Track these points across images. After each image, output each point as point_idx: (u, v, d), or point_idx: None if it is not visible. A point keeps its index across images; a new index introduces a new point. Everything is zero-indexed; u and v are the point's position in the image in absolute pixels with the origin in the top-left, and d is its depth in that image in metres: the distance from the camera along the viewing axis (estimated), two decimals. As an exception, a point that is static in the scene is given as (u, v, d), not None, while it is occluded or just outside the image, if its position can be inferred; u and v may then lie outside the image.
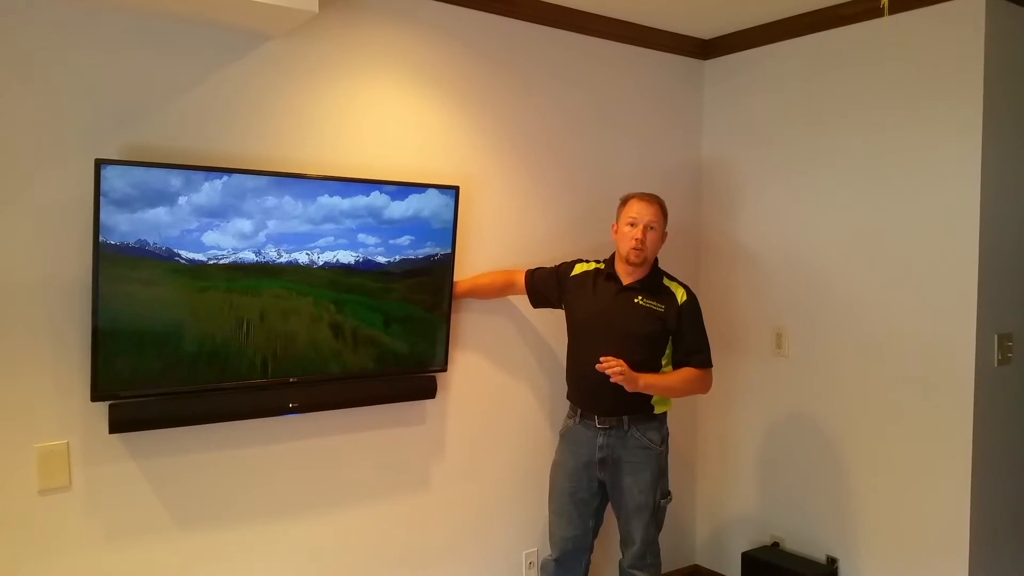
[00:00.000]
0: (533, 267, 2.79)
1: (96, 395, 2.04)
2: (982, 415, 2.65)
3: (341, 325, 2.38)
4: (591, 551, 2.74)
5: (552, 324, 2.96)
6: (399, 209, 2.45)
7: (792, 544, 3.20)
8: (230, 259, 2.17)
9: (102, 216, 1.96)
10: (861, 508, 2.95)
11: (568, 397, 2.72)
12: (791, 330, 3.18)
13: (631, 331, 2.53)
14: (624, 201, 2.64)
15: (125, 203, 1.99)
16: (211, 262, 2.14)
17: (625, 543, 2.66)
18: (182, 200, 2.07)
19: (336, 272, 2.35)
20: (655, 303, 2.56)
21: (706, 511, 3.56)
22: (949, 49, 2.64)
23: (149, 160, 2.09)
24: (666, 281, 2.63)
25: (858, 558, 2.97)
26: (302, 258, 2.29)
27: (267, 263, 2.23)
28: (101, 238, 1.97)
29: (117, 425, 2.08)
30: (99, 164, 1.95)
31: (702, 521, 3.58)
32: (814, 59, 3.05)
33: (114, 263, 2.00)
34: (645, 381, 2.47)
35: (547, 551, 2.76)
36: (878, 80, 2.85)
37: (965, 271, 2.63)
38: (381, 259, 2.43)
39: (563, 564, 2.69)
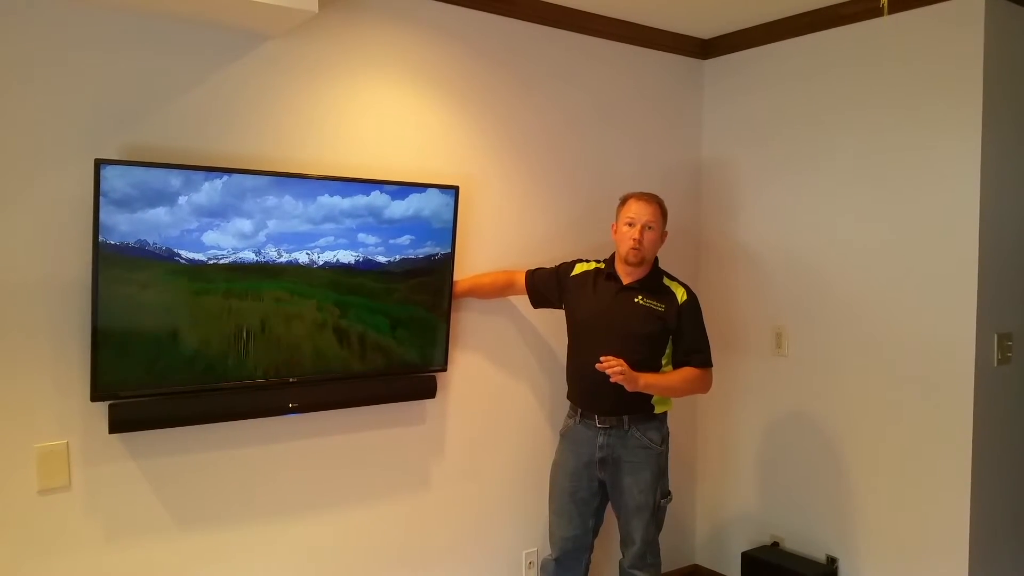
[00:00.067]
0: (533, 267, 2.79)
1: (96, 395, 2.04)
2: (982, 415, 2.65)
3: (346, 331, 2.38)
4: (591, 551, 2.74)
5: (552, 324, 2.96)
6: (399, 209, 2.45)
7: (792, 544, 3.20)
8: (230, 259, 2.17)
9: (102, 216, 1.96)
10: (861, 508, 2.95)
11: (568, 397, 2.72)
12: (791, 330, 3.18)
13: (631, 331, 2.53)
14: (623, 201, 2.64)
15: (125, 203, 1.99)
16: (211, 262, 2.14)
17: (625, 543, 2.67)
18: (182, 200, 2.07)
19: (337, 272, 2.35)
20: (655, 303, 2.56)
21: (706, 511, 3.56)
22: (949, 49, 2.64)
23: (149, 160, 2.09)
24: (666, 281, 2.63)
25: (858, 558, 2.97)
26: (302, 258, 2.29)
27: (267, 263, 2.23)
28: (101, 238, 1.97)
29: (117, 425, 2.08)
30: (99, 164, 1.95)
31: (702, 521, 3.58)
32: (814, 58, 3.05)
33: (114, 263, 2.00)
34: (645, 381, 2.47)
35: (547, 551, 2.76)
36: (878, 79, 2.85)
37: (965, 271, 2.63)
38: (381, 259, 2.43)
39: (563, 564, 2.69)
